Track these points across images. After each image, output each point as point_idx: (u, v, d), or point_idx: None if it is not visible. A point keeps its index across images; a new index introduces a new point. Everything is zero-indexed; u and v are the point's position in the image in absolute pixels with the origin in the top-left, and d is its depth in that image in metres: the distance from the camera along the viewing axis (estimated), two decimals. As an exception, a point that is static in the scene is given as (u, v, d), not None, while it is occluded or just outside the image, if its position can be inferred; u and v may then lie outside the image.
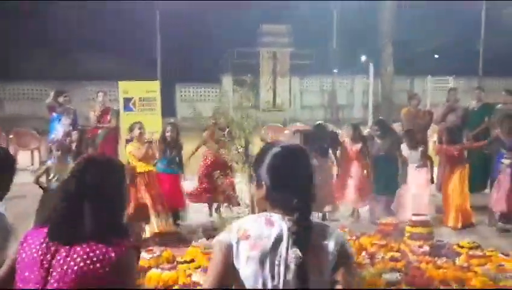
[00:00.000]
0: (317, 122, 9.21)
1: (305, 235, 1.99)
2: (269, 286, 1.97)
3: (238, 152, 4.58)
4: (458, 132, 8.58)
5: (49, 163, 6.81)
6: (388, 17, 25.16)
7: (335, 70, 26.64)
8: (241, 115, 4.59)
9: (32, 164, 12.36)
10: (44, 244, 2.15)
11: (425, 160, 8.15)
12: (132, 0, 22.47)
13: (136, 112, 12.00)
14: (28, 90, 23.77)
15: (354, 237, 6.38)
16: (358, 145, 8.40)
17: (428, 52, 32.27)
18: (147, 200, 7.07)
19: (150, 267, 5.46)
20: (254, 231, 2.03)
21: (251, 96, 4.93)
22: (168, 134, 7.80)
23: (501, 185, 7.73)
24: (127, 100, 11.96)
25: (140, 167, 7.25)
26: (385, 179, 8.25)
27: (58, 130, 9.86)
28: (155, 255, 5.76)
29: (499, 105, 9.98)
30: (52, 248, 2.13)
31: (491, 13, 26.34)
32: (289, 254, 1.97)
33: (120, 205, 2.29)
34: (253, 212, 7.62)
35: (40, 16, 24.56)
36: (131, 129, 7.58)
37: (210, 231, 6.86)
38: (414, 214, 7.02)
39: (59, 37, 25.47)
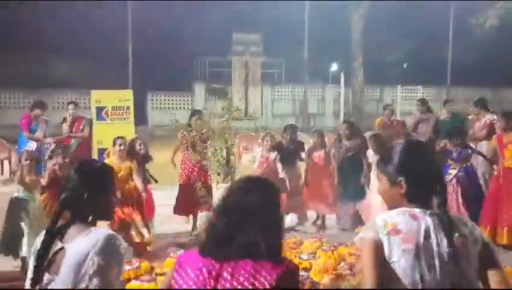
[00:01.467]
0: (289, 123, 9.20)
1: (450, 228, 2.09)
2: (427, 277, 2.04)
3: (220, 163, 4.56)
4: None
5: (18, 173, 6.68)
6: (359, 26, 25.53)
7: (307, 79, 26.84)
8: (222, 127, 4.57)
9: (2, 174, 12.10)
10: (204, 268, 2.11)
11: None
12: (103, 0, 22.22)
13: (108, 121, 11.87)
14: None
15: (332, 247, 6.35)
16: (323, 151, 8.41)
17: (397, 62, 32.80)
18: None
19: (129, 279, 5.39)
20: (403, 225, 2.09)
21: (232, 108, 4.94)
22: (142, 151, 7.54)
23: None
24: (100, 109, 11.82)
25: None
26: (352, 185, 8.18)
27: (38, 138, 9.78)
28: (134, 266, 5.68)
29: (470, 116, 10.18)
30: (216, 267, 2.10)
31: (459, 22, 26.90)
32: (441, 246, 2.06)
33: (279, 224, 2.24)
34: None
35: (6, 21, 24.07)
36: (113, 143, 7.42)
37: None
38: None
39: (25, 43, 25.03)
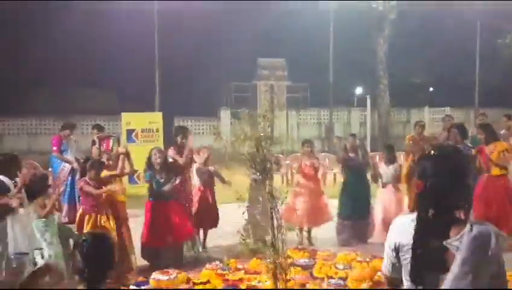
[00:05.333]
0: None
1: None
2: None
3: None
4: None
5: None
6: (384, 48, 25.49)
7: (332, 102, 26.84)
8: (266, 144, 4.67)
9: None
10: None
11: (399, 176, 8.13)
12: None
13: (138, 143, 12.01)
14: (25, 125, 23.59)
15: (366, 259, 6.49)
16: (313, 161, 8.33)
17: (424, 84, 32.63)
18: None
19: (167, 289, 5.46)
20: None
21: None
22: (157, 160, 7.43)
23: None
24: (130, 132, 11.98)
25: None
26: (358, 202, 8.11)
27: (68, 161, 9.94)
28: (171, 277, 5.70)
29: (502, 131, 10.01)
30: None
31: (486, 43, 26.72)
32: None
33: None
34: None
35: (38, 54, 24.75)
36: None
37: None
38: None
39: (56, 73, 25.65)
